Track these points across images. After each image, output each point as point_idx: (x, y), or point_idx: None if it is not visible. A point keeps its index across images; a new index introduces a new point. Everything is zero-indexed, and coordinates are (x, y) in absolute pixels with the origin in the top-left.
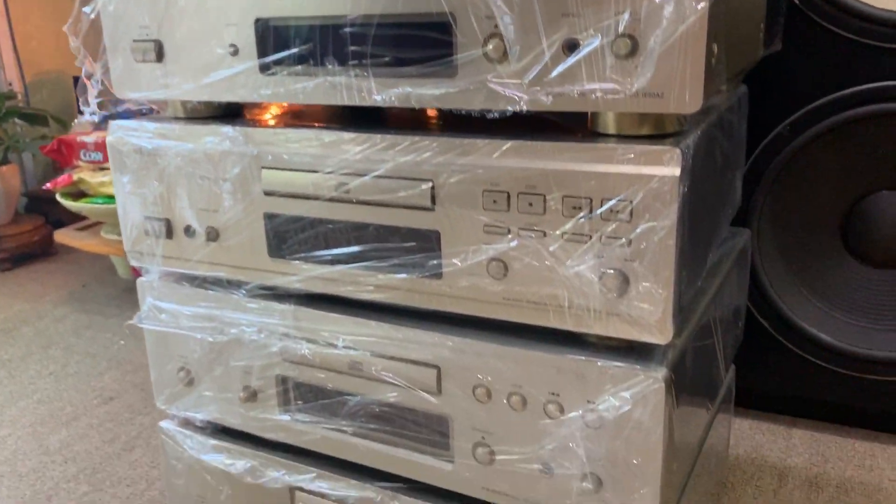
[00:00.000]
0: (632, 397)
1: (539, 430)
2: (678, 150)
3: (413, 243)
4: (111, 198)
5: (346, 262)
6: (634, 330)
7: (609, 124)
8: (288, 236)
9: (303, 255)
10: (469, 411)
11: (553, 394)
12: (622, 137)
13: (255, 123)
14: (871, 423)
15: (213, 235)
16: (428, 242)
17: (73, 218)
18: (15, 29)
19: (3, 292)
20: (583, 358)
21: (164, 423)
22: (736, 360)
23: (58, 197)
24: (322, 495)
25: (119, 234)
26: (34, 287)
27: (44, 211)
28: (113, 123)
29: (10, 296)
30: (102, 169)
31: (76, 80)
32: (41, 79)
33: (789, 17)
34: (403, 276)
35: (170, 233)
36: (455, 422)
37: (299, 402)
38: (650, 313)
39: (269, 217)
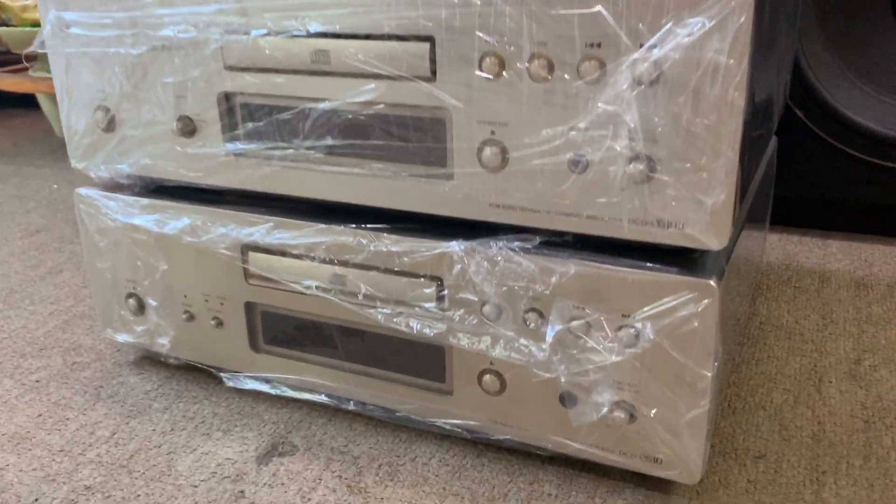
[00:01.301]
0: (705, 20)
1: (571, 101)
2: None
3: None
4: (37, 24)
5: None
6: None
7: None
8: None
9: None
10: (474, 97)
11: (591, 45)
12: None
13: None
14: None
15: None
16: None
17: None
18: None
19: None
20: None
21: (81, 190)
22: None
23: None
24: (283, 251)
25: (48, 70)
26: None
27: None
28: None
29: None
30: None
31: None
32: None
33: None
34: None
35: None
36: (455, 118)
37: (248, 125)
38: None
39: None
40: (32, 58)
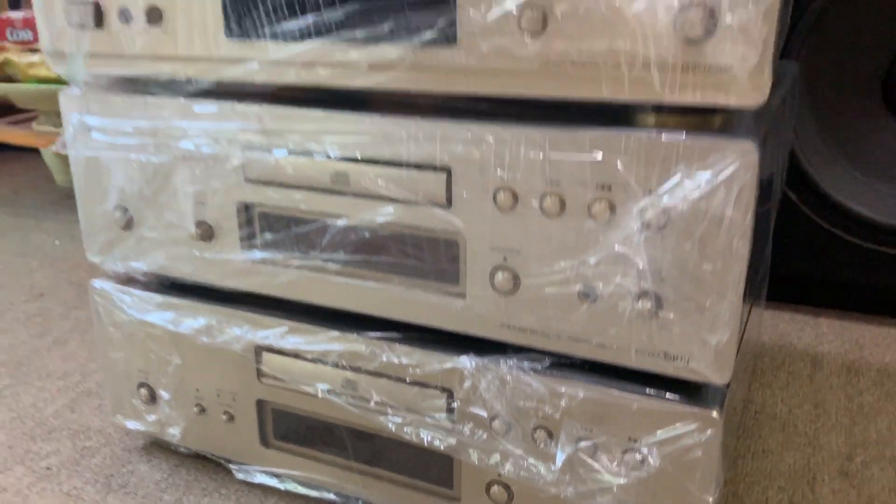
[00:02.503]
0: (713, 176)
1: (581, 238)
2: None
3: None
4: (43, 81)
5: (328, 32)
6: (720, 93)
7: None
8: (250, 5)
9: (270, 28)
10: (487, 225)
11: (603, 187)
12: None
13: None
14: None
15: (154, 17)
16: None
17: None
18: None
19: None
20: (644, 135)
21: (96, 282)
22: None
23: None
24: (296, 354)
25: (53, 124)
26: None
27: None
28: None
29: None
30: (33, 50)
31: None
32: None
33: None
34: (405, 44)
35: (99, 19)
36: (469, 242)
37: (267, 234)
38: (742, 59)
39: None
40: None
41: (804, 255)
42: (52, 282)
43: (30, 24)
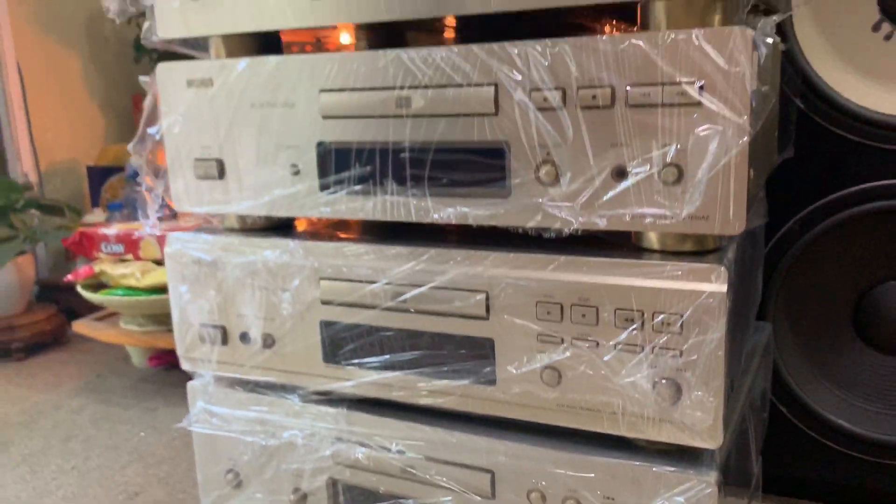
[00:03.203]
0: (686, 501)
1: None
2: (723, 268)
3: (467, 351)
4: (131, 290)
5: (401, 369)
6: (686, 435)
7: (654, 241)
8: (343, 343)
9: (357, 361)
10: None
11: (608, 498)
12: (666, 253)
13: (311, 236)
14: None
15: (269, 342)
16: (482, 350)
17: (84, 307)
18: (32, 121)
19: (19, 383)
20: (637, 463)
21: None
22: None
23: (78, 288)
24: None
25: (138, 324)
26: (48, 377)
27: (55, 299)
28: (171, 235)
29: (25, 387)
30: (123, 261)
31: (90, 169)
32: (54, 168)
33: (798, 123)
34: (457, 382)
35: (225, 339)
36: None
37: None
38: (702, 420)
39: (326, 325)
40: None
41: (796, 458)
42: (143, 479)
43: (121, 239)
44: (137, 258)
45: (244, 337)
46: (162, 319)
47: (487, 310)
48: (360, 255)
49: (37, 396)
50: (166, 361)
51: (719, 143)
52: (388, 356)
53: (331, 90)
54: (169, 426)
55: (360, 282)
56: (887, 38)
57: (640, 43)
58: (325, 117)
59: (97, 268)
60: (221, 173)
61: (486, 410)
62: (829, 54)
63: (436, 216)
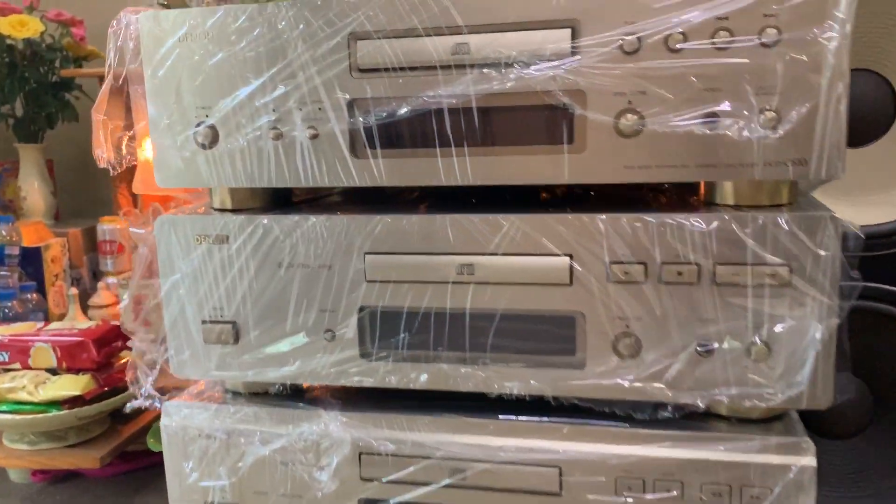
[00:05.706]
0: None
1: None
2: (810, 441)
3: None
4: (19, 404)
5: None
6: None
7: (723, 408)
8: None
9: None
10: None
11: None
12: (739, 421)
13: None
14: None
15: None
16: None
17: None
18: None
19: None
20: None
21: None
22: None
23: None
24: None
25: (28, 442)
26: None
27: None
28: (168, 405)
29: None
30: (8, 370)
31: None
32: None
33: None
34: None
35: None
36: None
37: None
38: None
39: (368, 503)
40: None
41: None
42: None
43: (5, 347)
44: (26, 367)
45: None
46: (59, 435)
47: (561, 487)
48: (405, 428)
49: None
50: (51, 475)
51: (809, 319)
52: None
53: (377, 253)
54: None
55: (408, 456)
56: None
57: (732, 224)
58: (370, 281)
59: None
60: (236, 338)
61: None
62: None
63: (498, 387)
